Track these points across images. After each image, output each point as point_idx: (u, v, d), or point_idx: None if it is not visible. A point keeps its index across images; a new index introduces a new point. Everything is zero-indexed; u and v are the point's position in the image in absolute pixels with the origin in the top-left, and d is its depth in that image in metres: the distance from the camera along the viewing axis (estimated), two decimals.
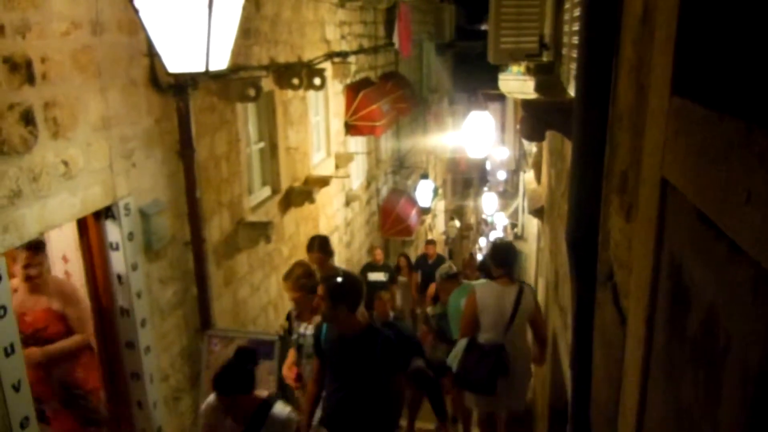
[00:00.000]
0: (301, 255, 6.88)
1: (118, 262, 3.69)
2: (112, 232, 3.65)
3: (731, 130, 0.84)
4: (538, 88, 4.40)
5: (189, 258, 4.45)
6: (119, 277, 3.71)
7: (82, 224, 3.60)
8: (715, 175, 0.90)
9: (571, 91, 3.19)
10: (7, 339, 2.75)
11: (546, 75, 4.38)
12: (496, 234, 21.87)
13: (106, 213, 3.61)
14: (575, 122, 1.95)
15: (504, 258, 4.40)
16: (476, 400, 4.88)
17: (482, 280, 4.85)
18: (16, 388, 2.80)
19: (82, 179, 3.27)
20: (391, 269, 8.89)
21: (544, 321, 4.94)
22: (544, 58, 4.41)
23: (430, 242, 10.58)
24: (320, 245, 4.87)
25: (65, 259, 3.91)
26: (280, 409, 3.24)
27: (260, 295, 5.86)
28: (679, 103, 1.10)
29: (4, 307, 2.74)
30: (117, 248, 3.67)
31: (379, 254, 9.03)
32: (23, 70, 2.82)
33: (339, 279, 3.32)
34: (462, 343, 4.53)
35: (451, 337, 5.15)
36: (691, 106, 1.04)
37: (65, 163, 3.13)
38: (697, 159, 0.99)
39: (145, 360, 3.85)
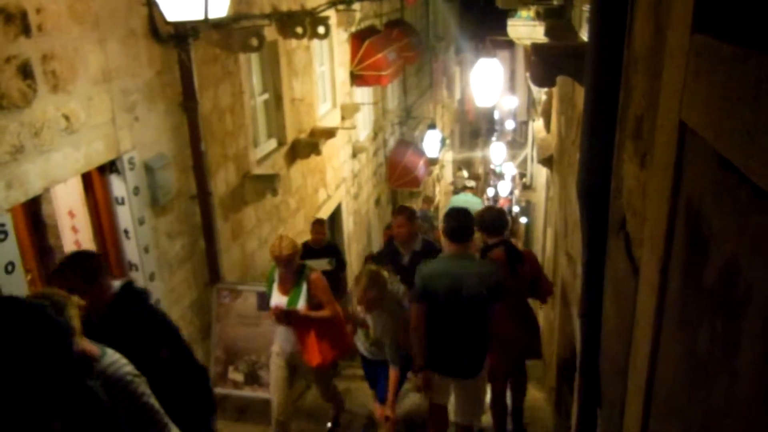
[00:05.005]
0: (309, 207, 6.87)
1: (124, 216, 3.68)
2: (118, 186, 3.63)
3: (760, 67, 0.79)
4: (549, 32, 4.29)
5: (196, 212, 4.44)
6: (126, 231, 3.70)
7: (86, 179, 3.58)
8: (739, 117, 0.84)
9: (584, 35, 3.09)
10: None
11: (556, 19, 4.27)
12: (504, 184, 21.80)
13: (111, 167, 3.58)
14: (588, 66, 1.87)
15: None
16: None
17: None
18: None
19: (84, 133, 3.23)
20: (338, 252, 6.04)
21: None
22: (555, 2, 4.29)
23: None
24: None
25: (71, 214, 3.89)
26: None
27: (268, 248, 5.83)
28: (701, 41, 1.04)
29: (12, 263, 2.74)
30: (123, 203, 3.65)
31: (317, 231, 5.80)
32: (18, 21, 2.75)
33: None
34: None
35: None
36: (714, 43, 0.97)
37: (66, 118, 3.09)
38: (719, 100, 0.93)
39: None
